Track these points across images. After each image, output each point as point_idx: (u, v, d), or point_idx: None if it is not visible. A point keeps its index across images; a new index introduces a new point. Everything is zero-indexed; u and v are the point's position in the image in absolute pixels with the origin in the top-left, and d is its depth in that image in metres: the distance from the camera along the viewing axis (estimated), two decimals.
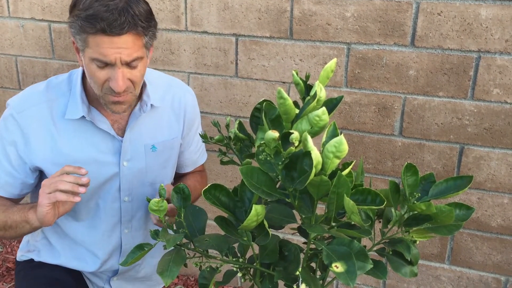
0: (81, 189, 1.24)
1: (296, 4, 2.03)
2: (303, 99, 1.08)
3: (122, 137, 1.48)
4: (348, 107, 2.09)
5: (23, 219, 1.36)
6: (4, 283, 2.61)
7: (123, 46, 1.25)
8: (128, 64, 1.29)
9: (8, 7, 2.50)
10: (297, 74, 1.07)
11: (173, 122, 1.58)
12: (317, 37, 2.04)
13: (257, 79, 2.19)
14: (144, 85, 1.49)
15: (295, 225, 1.12)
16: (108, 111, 1.39)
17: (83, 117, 1.41)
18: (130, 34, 1.25)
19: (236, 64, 2.20)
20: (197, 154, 1.72)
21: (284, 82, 2.15)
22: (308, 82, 1.09)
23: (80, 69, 1.45)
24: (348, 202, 0.88)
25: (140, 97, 1.49)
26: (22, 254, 1.67)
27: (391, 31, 1.94)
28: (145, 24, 1.28)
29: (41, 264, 1.61)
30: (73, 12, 1.28)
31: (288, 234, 2.25)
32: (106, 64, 1.28)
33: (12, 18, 2.51)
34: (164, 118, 1.56)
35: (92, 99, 1.44)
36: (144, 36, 1.30)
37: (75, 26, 1.26)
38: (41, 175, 1.50)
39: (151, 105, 1.49)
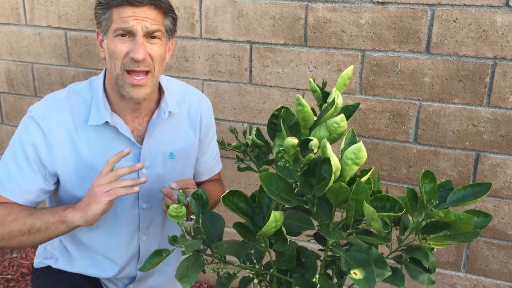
0: (136, 188, 1.34)
1: (311, 11, 2.04)
2: (320, 106, 1.08)
3: (141, 144, 1.49)
4: (363, 114, 2.09)
5: (59, 219, 1.35)
6: None
7: (144, 16, 1.33)
8: (149, 37, 1.35)
9: (25, 15, 2.53)
10: (314, 81, 1.07)
11: (189, 130, 1.60)
12: (332, 44, 2.05)
13: (271, 86, 2.20)
14: (162, 92, 1.51)
15: (310, 232, 1.12)
16: (126, 96, 1.39)
17: (105, 123, 1.43)
18: (151, 7, 1.34)
19: (250, 71, 2.21)
20: (212, 163, 1.73)
21: (298, 89, 2.15)
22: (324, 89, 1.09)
23: (101, 75, 1.47)
24: (368, 209, 0.88)
25: (158, 104, 1.51)
26: (39, 261, 1.68)
27: (406, 38, 1.94)
28: (166, 4, 1.37)
29: (59, 271, 1.62)
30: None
31: (303, 241, 2.24)
32: (127, 35, 1.34)
33: (29, 26, 2.55)
34: (181, 125, 1.58)
35: (113, 105, 1.46)
36: (164, 16, 1.39)
37: (101, 6, 1.36)
38: (58, 182, 1.50)
39: (169, 112, 1.50)
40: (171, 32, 1.43)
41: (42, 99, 1.49)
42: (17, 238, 1.38)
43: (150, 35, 1.35)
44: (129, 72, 1.35)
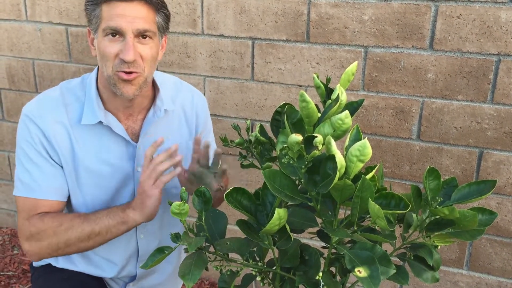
0: (178, 169, 1.38)
1: (313, 7, 2.02)
2: (324, 102, 1.07)
3: (136, 142, 1.47)
4: (365, 110, 2.08)
5: (119, 221, 1.36)
6: (20, 285, 2.62)
7: (135, 14, 1.28)
8: (140, 37, 1.31)
9: (26, 11, 2.52)
10: (317, 77, 1.06)
11: (184, 125, 1.58)
12: (334, 41, 2.04)
13: (273, 83, 2.19)
14: (157, 90, 1.49)
15: (313, 229, 1.11)
16: (118, 93, 1.35)
17: (99, 122, 1.40)
18: (142, 3, 1.29)
19: (252, 67, 2.20)
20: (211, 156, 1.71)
21: (300, 86, 2.14)
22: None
23: (93, 73, 1.45)
24: (374, 207, 0.87)
25: (153, 101, 1.49)
26: None
27: (409, 34, 1.93)
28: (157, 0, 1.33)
29: (62, 269, 1.60)
30: None
31: (305, 238, 2.23)
32: (117, 35, 1.29)
33: (29, 21, 2.53)
34: (175, 121, 1.55)
35: (106, 103, 1.43)
36: (156, 13, 1.34)
37: (91, 2, 1.31)
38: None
39: (165, 110, 1.48)
40: (163, 29, 1.39)
41: (34, 98, 1.45)
42: (75, 246, 1.38)
43: (141, 34, 1.31)
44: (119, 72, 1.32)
